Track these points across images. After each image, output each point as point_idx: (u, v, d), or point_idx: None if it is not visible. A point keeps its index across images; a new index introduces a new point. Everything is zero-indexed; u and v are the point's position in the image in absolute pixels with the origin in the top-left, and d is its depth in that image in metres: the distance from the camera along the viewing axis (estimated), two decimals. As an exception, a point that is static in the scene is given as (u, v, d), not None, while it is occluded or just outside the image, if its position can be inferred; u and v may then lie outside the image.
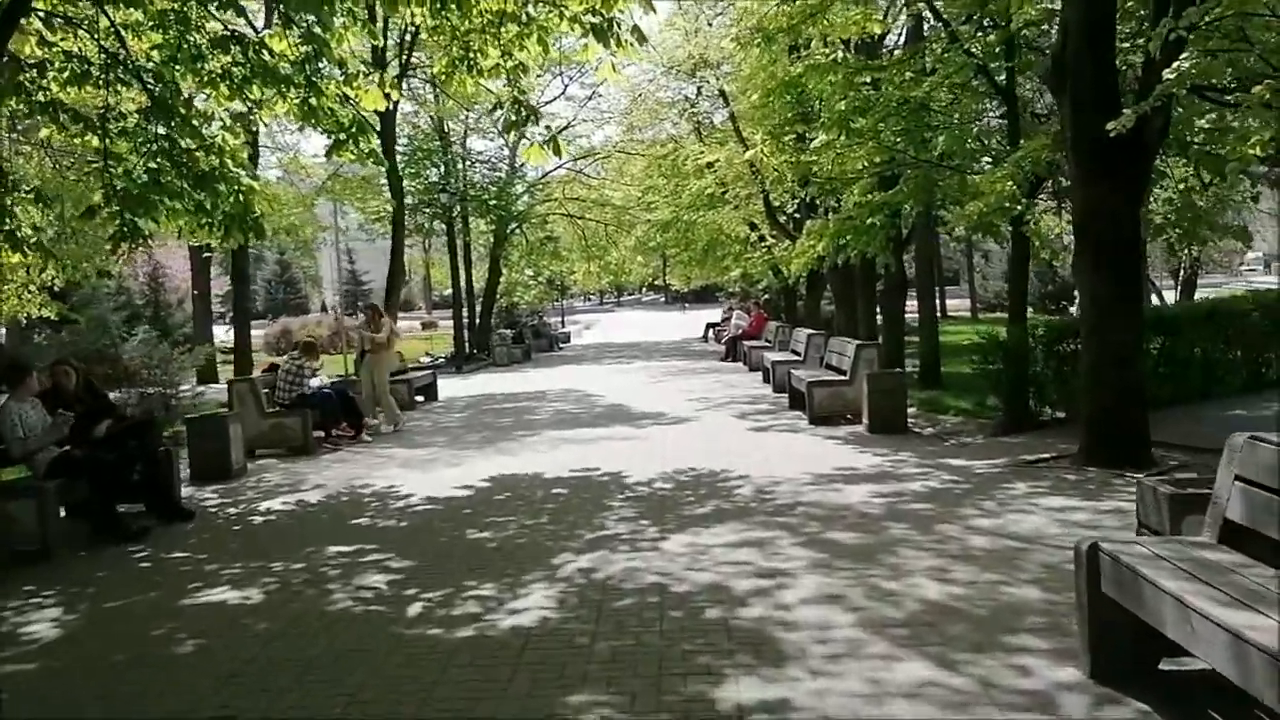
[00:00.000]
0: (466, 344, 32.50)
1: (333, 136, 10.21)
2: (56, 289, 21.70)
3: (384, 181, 33.44)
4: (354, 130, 10.27)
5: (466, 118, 33.05)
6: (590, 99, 36.16)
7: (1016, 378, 11.36)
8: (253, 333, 45.80)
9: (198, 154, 10.09)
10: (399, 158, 32.63)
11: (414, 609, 5.66)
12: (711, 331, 35.10)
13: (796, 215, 23.63)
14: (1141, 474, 6.98)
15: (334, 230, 31.40)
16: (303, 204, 26.25)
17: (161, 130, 9.95)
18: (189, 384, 15.90)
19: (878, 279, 21.82)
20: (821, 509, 7.72)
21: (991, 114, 15.88)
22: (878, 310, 21.15)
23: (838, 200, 20.17)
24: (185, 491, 10.01)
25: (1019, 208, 11.13)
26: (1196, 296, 28.05)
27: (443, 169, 32.04)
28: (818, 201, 22.17)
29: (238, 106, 9.99)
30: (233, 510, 9.03)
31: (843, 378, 12.95)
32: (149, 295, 36.32)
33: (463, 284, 34.78)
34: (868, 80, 13.29)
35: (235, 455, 10.84)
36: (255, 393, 12.40)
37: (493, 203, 33.02)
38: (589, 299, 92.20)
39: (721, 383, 19.45)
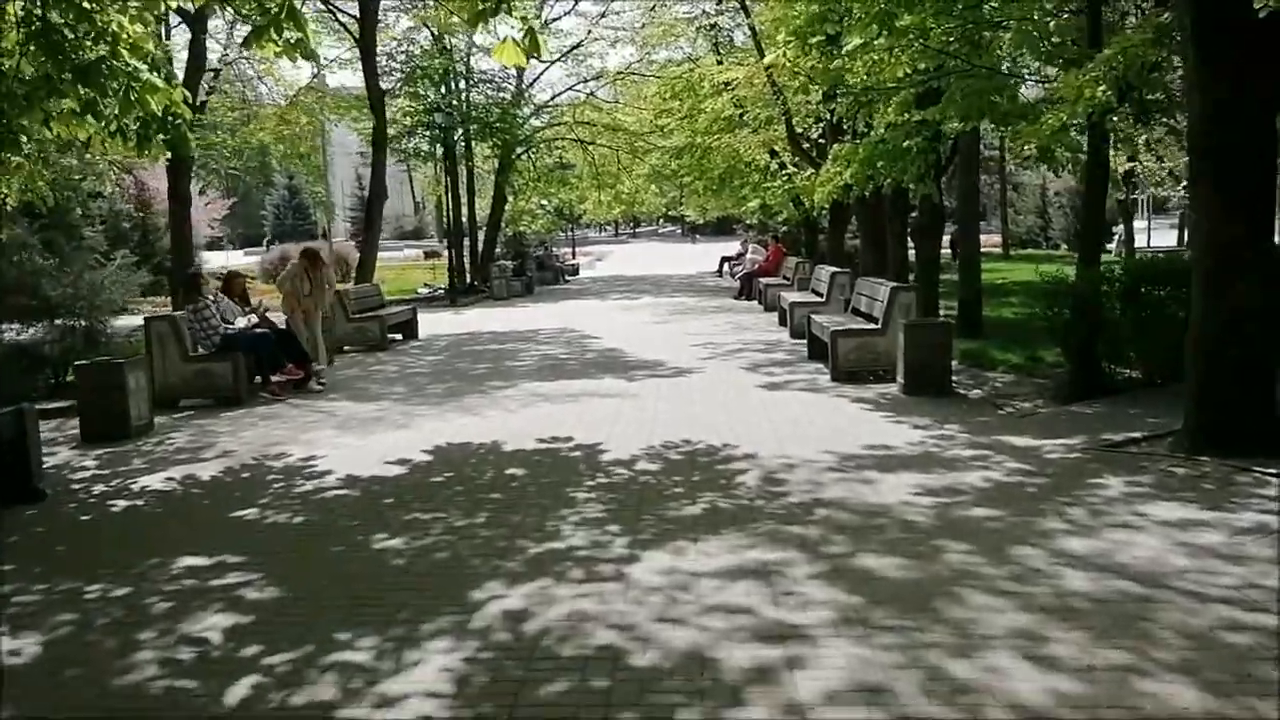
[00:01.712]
0: (467, 275, 30.54)
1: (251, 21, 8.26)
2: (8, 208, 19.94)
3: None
4: (278, 14, 8.24)
5: (469, 35, 30.70)
6: (603, 16, 33.64)
7: (1089, 331, 9.29)
8: (250, 259, 44.26)
9: (85, 42, 8.14)
10: (393, 75, 30.56)
11: (237, 691, 3.76)
12: (726, 266, 32.97)
13: (821, 140, 21.48)
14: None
15: (321, 151, 29.25)
16: (281, 119, 24.01)
17: (38, 10, 7.98)
18: (127, 317, 13.95)
19: (910, 212, 19.74)
20: (850, 513, 5.77)
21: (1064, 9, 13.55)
22: (908, 247, 19.10)
23: (868, 122, 18.04)
24: (62, 457, 8.16)
25: (1109, 120, 8.97)
26: None
27: (441, 89, 29.75)
28: (845, 124, 20.02)
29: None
30: (100, 488, 7.15)
31: (873, 326, 10.93)
32: (137, 218, 34.35)
33: (465, 213, 32.69)
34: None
35: (137, 410, 8.96)
36: (178, 333, 10.48)
37: (496, 125, 30.79)
38: (604, 230, 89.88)
39: (733, 325, 17.43)
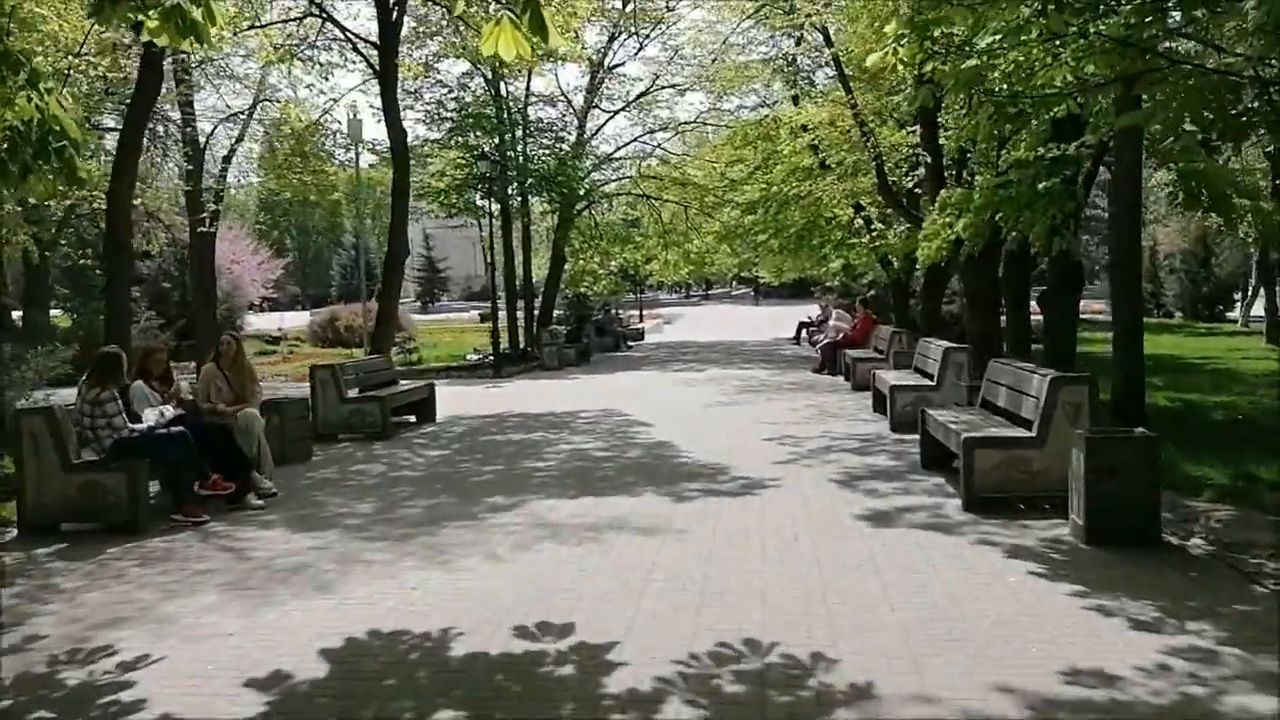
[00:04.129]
0: (519, 341, 27.80)
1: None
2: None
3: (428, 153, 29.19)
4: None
5: (524, 77, 28.25)
6: (671, 60, 31.00)
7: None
8: (295, 321, 42.17)
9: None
10: (443, 123, 28.18)
11: None
12: (805, 333, 29.77)
13: (917, 190, 18.36)
14: None
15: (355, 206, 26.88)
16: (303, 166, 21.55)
17: None
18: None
19: (1032, 270, 16.43)
20: None
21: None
22: (1029, 313, 15.85)
23: (988, 162, 14.85)
24: None
25: None
26: None
27: (494, 139, 27.21)
28: (948, 170, 16.88)
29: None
30: None
31: (1023, 434, 7.68)
32: (177, 278, 32.40)
33: (520, 273, 30.07)
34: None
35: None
36: (57, 432, 7.64)
37: (556, 178, 28.15)
38: (676, 292, 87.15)
39: (816, 409, 14.22)
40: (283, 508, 8.32)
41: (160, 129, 23.94)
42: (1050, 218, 11.22)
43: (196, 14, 5.59)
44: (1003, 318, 16.30)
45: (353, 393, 13.12)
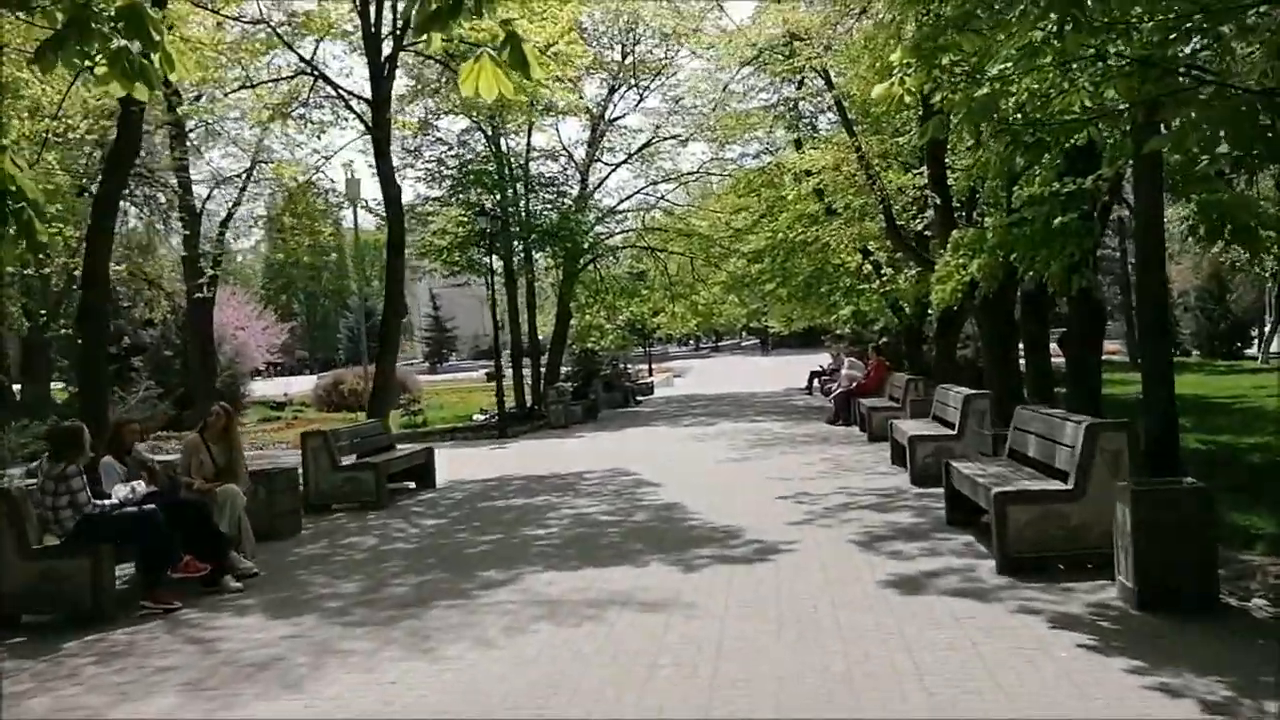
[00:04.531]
0: (525, 399, 27.29)
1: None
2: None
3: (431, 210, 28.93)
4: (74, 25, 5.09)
5: (528, 130, 28.01)
6: (672, 111, 30.74)
7: None
8: (301, 385, 41.73)
9: None
10: (444, 180, 27.91)
11: None
12: (816, 381, 29.16)
13: (926, 233, 17.89)
14: None
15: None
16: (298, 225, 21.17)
17: None
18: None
19: (1049, 309, 15.86)
20: None
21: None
22: (1049, 356, 15.27)
23: (998, 201, 14.38)
24: None
25: None
26: None
27: (495, 195, 26.92)
28: (959, 210, 16.42)
29: None
30: None
31: (1059, 486, 7.08)
32: (178, 346, 32.02)
33: (525, 330, 29.64)
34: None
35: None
36: (15, 514, 7.09)
37: (558, 232, 27.81)
38: (686, 344, 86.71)
39: (831, 462, 13.61)
40: (262, 589, 7.74)
41: (160, 196, 23.63)
42: (1068, 255, 10.71)
43: (151, 60, 5.15)
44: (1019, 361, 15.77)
45: (348, 460, 12.60)
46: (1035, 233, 11.04)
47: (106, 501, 7.36)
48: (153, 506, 7.45)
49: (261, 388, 39.56)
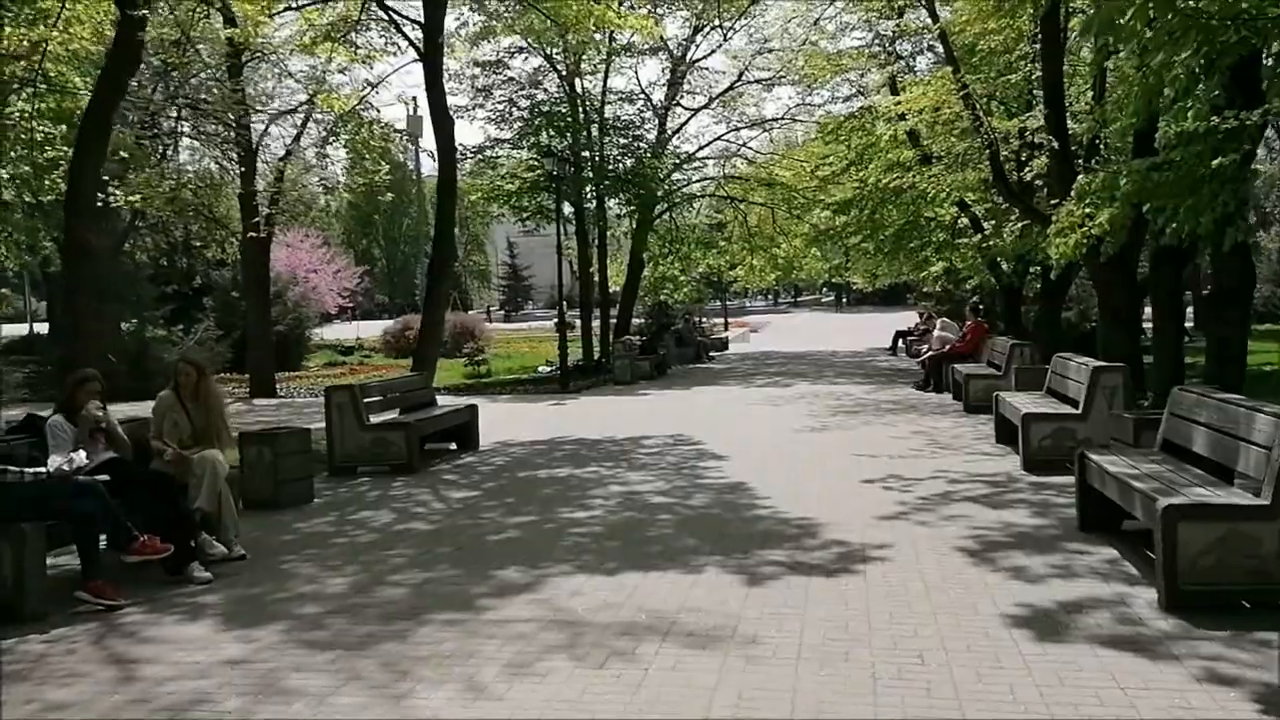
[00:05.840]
0: (593, 352, 25.92)
1: None
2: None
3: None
4: None
5: (605, 71, 26.36)
6: (759, 53, 28.72)
7: None
8: (368, 330, 40.86)
9: None
10: (515, 121, 26.34)
11: None
12: (902, 342, 27.28)
13: (1038, 181, 15.86)
14: None
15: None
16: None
17: None
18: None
19: (1182, 271, 13.83)
20: None
21: None
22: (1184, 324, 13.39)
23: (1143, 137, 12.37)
24: None
25: None
26: None
27: (568, 137, 25.32)
28: (1080, 151, 14.42)
29: None
30: None
31: (1250, 500, 5.34)
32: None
33: (596, 279, 28.23)
34: None
35: None
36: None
37: (631, 179, 26.18)
38: (764, 299, 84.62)
39: (925, 436, 11.90)
40: (234, 581, 6.37)
41: (212, 127, 22.44)
42: (1221, 205, 8.93)
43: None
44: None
45: (382, 417, 11.31)
46: (1183, 178, 9.29)
47: (38, 470, 6.00)
48: (96, 478, 6.09)
49: (336, 331, 38.84)
